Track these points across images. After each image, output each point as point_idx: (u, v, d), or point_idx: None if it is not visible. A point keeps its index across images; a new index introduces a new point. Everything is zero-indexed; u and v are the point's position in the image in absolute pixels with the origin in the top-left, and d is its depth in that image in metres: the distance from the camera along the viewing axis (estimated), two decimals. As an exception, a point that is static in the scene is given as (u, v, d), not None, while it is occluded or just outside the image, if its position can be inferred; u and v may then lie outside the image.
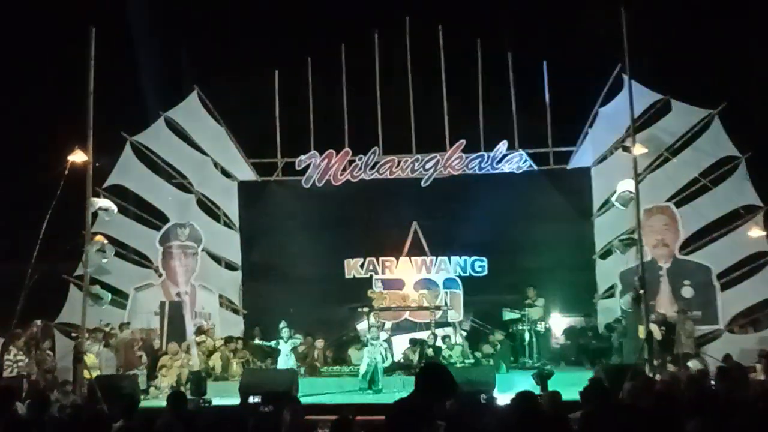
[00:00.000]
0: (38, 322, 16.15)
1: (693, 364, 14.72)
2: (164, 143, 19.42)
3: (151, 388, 15.82)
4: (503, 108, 20.02)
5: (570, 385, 10.24)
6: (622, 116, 16.11)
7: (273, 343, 17.10)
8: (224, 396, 14.63)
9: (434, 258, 19.89)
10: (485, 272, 19.81)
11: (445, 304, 18.98)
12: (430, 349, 17.48)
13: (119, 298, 18.06)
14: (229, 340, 18.22)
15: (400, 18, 20.44)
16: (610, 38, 15.13)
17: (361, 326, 18.60)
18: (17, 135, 19.85)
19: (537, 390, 12.35)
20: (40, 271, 14.20)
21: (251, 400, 13.23)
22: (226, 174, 20.80)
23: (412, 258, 19.96)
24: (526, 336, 18.44)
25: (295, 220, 20.63)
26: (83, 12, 16.74)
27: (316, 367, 17.85)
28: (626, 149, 15.36)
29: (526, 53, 20.10)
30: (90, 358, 14.72)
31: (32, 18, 20.36)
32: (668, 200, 18.29)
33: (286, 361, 16.72)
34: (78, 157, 14.17)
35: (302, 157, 20.47)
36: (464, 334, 18.95)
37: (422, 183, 20.16)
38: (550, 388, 11.93)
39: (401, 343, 18.53)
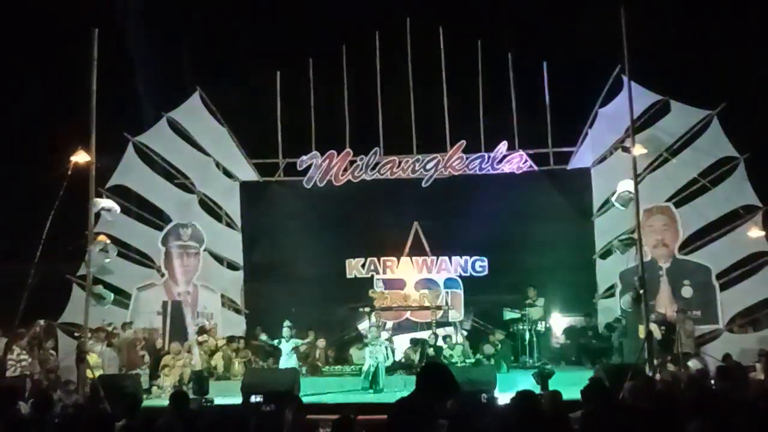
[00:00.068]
0: (41, 321, 16.21)
1: (693, 364, 14.75)
2: (166, 144, 19.47)
3: (154, 388, 15.85)
4: (503, 108, 20.07)
5: (570, 384, 10.29)
6: (621, 117, 16.16)
7: (275, 341, 17.18)
8: (226, 395, 14.67)
9: (435, 258, 19.93)
10: (486, 272, 19.85)
11: (446, 303, 19.02)
12: (431, 349, 17.52)
13: (122, 297, 18.12)
14: (231, 339, 18.31)
15: (401, 18, 20.48)
16: (609, 39, 15.14)
17: (363, 326, 18.66)
18: (20, 135, 19.92)
19: (537, 389, 12.41)
20: (43, 271, 14.20)
21: (253, 399, 13.29)
22: (227, 174, 20.85)
23: (413, 258, 20.01)
24: (527, 336, 18.49)
25: (296, 221, 20.68)
26: (85, 13, 16.79)
27: (317, 366, 17.91)
28: (626, 149, 15.39)
29: (526, 54, 20.15)
30: (93, 358, 14.74)
31: (34, 19, 20.40)
32: (668, 200, 18.33)
33: (287, 360, 16.80)
34: (80, 157, 14.19)
35: (303, 157, 20.52)
36: (465, 333, 18.99)
37: (423, 183, 20.21)
38: (550, 388, 11.97)
39: (402, 343, 18.59)
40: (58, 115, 18.56)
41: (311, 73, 20.71)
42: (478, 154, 20.08)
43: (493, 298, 19.58)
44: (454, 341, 18.17)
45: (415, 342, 18.11)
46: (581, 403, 7.26)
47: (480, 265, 19.86)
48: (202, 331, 18.10)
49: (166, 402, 9.07)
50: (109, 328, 16.82)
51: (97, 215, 15.65)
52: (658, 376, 12.98)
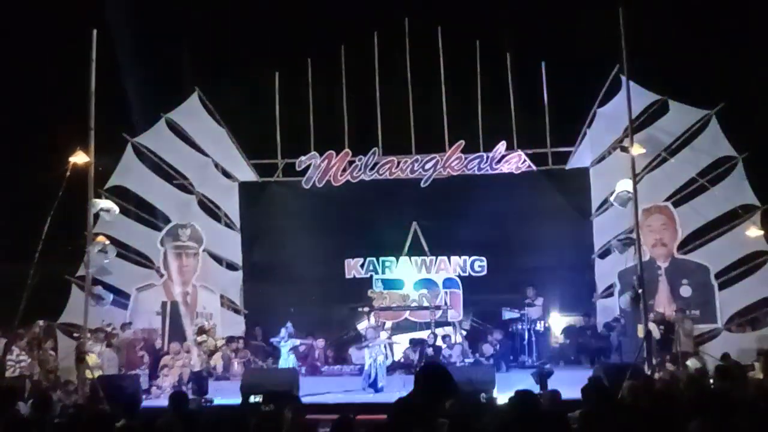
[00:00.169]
0: (40, 322, 16.26)
1: (692, 363, 14.77)
2: (165, 144, 19.49)
3: (153, 388, 15.86)
4: (502, 108, 20.06)
5: (569, 384, 10.27)
6: (620, 116, 16.18)
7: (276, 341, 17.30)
8: (226, 395, 14.68)
9: (434, 258, 19.95)
10: (485, 272, 19.87)
11: (445, 303, 19.05)
12: (430, 349, 17.55)
13: (121, 298, 18.16)
14: (230, 339, 18.33)
15: (400, 19, 20.49)
16: (608, 39, 15.16)
17: (362, 326, 18.68)
18: (19, 136, 19.93)
19: (537, 389, 12.42)
20: (42, 271, 14.23)
21: (252, 399, 13.28)
22: (226, 175, 20.84)
23: (412, 258, 20.02)
24: (526, 335, 18.55)
25: (295, 221, 20.67)
26: (85, 13, 16.80)
27: (316, 366, 17.93)
28: (624, 149, 15.40)
29: (524, 54, 20.15)
30: (92, 358, 14.76)
31: (33, 19, 20.40)
32: (666, 200, 18.34)
33: (286, 360, 16.82)
34: (79, 158, 14.22)
35: (302, 157, 20.52)
36: (464, 333, 19.02)
37: (422, 183, 20.20)
38: (549, 387, 11.98)
39: (401, 343, 18.61)
40: (58, 115, 18.56)
41: (310, 74, 20.71)
42: (477, 154, 20.08)
43: (492, 297, 19.62)
44: (453, 341, 18.19)
45: (414, 342, 18.13)
46: (580, 402, 7.27)
47: (479, 265, 19.88)
48: (201, 331, 18.11)
49: (165, 402, 9.07)
50: (109, 329, 16.87)
51: (96, 216, 15.70)
52: (657, 376, 13.02)
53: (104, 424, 6.86)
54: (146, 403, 12.88)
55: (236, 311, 20.61)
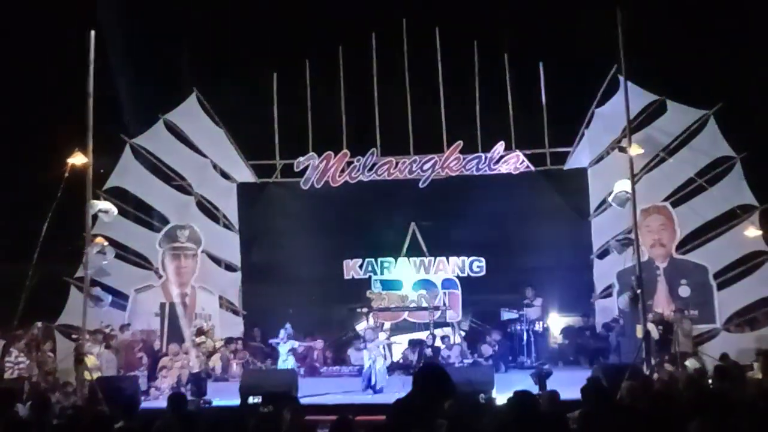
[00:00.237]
0: (39, 323, 16.26)
1: (690, 363, 14.77)
2: (163, 145, 19.48)
3: (152, 389, 15.85)
4: (500, 109, 20.08)
5: (568, 384, 10.27)
6: (618, 117, 16.18)
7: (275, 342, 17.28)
8: (224, 397, 14.67)
9: (432, 258, 19.96)
10: (483, 272, 19.87)
11: (444, 304, 19.07)
12: (429, 350, 17.56)
13: (119, 299, 18.13)
14: (229, 340, 18.31)
15: (398, 19, 20.49)
16: (606, 39, 15.17)
17: (360, 327, 18.68)
18: (17, 137, 19.92)
19: (535, 390, 12.41)
20: (41, 272, 14.22)
21: (251, 400, 13.26)
22: (225, 176, 20.84)
23: (411, 258, 20.03)
24: (525, 336, 18.56)
25: (293, 222, 20.68)
26: (83, 14, 16.79)
27: (315, 367, 17.93)
28: (622, 149, 15.42)
29: (522, 54, 20.17)
30: (91, 360, 14.74)
31: (32, 20, 20.39)
32: (665, 200, 18.33)
33: (285, 361, 16.82)
34: (78, 159, 14.21)
35: (301, 158, 20.52)
36: (463, 334, 19.04)
37: (420, 184, 20.21)
38: (548, 388, 11.98)
39: (400, 344, 18.61)
40: (57, 116, 18.55)
41: (308, 74, 20.73)
42: (475, 154, 20.09)
43: (490, 298, 19.65)
44: (451, 342, 18.19)
45: (413, 343, 18.13)
46: (579, 403, 7.27)
47: (477, 266, 19.88)
48: (199, 332, 18.12)
49: (164, 404, 9.06)
50: (107, 330, 16.86)
51: (95, 217, 15.68)
52: (655, 376, 13.02)
53: (103, 426, 6.87)
54: (145, 404, 12.91)
55: (235, 312, 20.61)
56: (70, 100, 16.18)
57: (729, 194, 17.49)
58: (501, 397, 12.57)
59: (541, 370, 14.16)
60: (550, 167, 20.27)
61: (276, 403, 10.82)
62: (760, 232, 17.24)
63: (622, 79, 15.42)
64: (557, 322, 19.77)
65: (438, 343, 17.98)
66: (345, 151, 20.43)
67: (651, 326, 14.85)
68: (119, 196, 18.40)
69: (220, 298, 20.16)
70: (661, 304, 17.62)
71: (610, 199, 16.49)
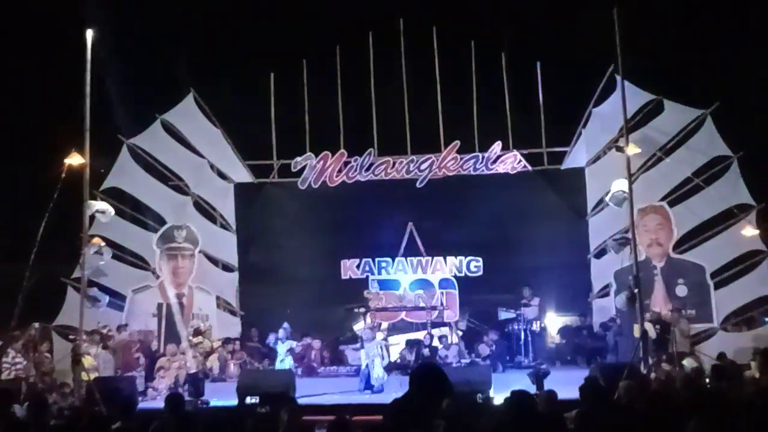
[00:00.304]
0: (36, 324, 16.25)
1: (688, 363, 14.79)
2: (160, 146, 19.45)
3: (149, 390, 15.84)
4: (497, 109, 20.11)
5: (566, 384, 10.29)
6: (615, 116, 16.21)
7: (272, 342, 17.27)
8: (222, 397, 14.66)
9: (430, 258, 19.93)
10: (481, 272, 19.85)
11: (441, 304, 19.03)
12: (427, 349, 17.55)
13: (117, 300, 18.12)
14: (226, 341, 18.30)
15: (395, 19, 20.49)
16: (603, 39, 15.17)
17: (358, 327, 18.67)
18: (15, 137, 19.90)
19: (533, 389, 12.41)
20: (38, 273, 14.22)
21: (249, 401, 13.26)
22: (222, 176, 20.84)
23: (408, 258, 20.02)
24: (522, 335, 18.55)
25: (291, 222, 20.69)
26: (81, 14, 16.77)
27: (313, 367, 17.92)
28: (620, 149, 15.44)
29: (520, 54, 20.19)
30: (88, 360, 14.73)
31: (29, 20, 20.37)
32: (662, 200, 18.35)
33: (282, 361, 16.81)
34: (75, 160, 14.21)
35: (298, 158, 20.52)
36: (460, 333, 19.01)
37: (417, 184, 20.23)
38: (545, 388, 11.98)
39: (398, 344, 18.60)
40: (54, 116, 18.53)
41: (305, 74, 20.71)
42: (473, 154, 20.10)
43: (488, 298, 19.65)
44: (449, 341, 18.18)
45: (410, 343, 18.12)
46: (576, 402, 7.27)
47: (475, 265, 19.87)
48: (197, 332, 18.11)
49: (161, 404, 9.05)
50: (104, 331, 16.83)
51: (92, 217, 15.68)
52: (653, 375, 13.02)
53: (100, 426, 6.87)
54: (142, 405, 12.89)
55: (232, 312, 20.60)
56: (68, 101, 16.16)
57: (726, 193, 17.50)
58: (498, 396, 12.56)
59: (539, 369, 14.15)
60: (547, 167, 20.29)
61: (273, 403, 10.86)
62: (757, 232, 17.27)
63: (619, 78, 15.42)
64: (554, 322, 19.79)
65: (435, 342, 17.97)
66: (342, 151, 20.44)
67: (648, 326, 14.86)
68: (116, 196, 18.37)
69: (218, 298, 20.15)
70: (659, 304, 17.65)
71: (607, 198, 16.50)
